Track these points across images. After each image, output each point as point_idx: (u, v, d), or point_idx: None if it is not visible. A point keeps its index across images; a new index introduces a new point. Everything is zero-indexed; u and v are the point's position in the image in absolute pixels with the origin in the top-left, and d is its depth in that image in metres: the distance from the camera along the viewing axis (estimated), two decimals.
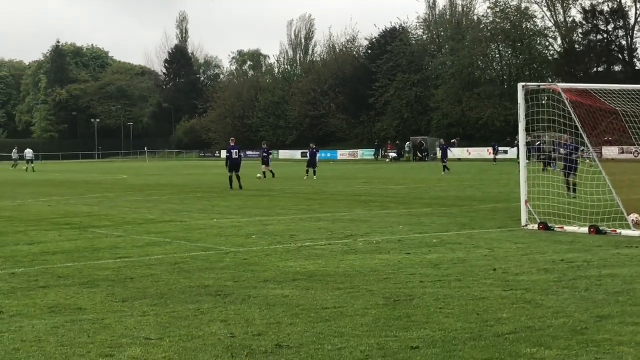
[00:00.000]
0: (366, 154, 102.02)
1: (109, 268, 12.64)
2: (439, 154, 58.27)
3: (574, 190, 22.26)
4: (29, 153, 75.15)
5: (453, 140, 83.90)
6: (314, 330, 8.15)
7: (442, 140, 55.77)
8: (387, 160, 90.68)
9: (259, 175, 43.73)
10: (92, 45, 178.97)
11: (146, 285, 10.98)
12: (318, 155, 48.66)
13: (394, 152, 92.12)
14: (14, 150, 78.18)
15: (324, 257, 13.54)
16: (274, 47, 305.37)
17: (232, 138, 39.89)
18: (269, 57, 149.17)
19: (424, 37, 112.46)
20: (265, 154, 47.11)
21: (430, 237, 16.14)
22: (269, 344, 7.65)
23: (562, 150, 22.88)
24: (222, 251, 14.55)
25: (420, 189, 33.70)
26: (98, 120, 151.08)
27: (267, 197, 30.10)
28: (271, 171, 43.67)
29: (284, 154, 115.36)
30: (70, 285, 11.11)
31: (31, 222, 20.73)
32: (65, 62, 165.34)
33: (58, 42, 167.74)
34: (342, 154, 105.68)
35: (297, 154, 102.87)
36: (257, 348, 7.51)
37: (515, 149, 52.75)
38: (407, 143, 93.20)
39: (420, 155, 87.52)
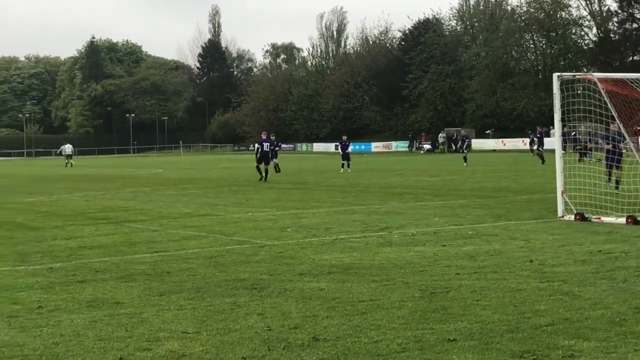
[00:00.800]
0: (400, 145, 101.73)
1: (146, 262, 12.72)
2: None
3: (617, 186, 21.81)
4: (68, 148, 75.61)
5: (487, 132, 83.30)
6: (350, 323, 8.15)
7: (463, 131, 55.20)
8: (421, 152, 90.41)
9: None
10: (127, 40, 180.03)
11: (182, 279, 11.03)
12: (350, 147, 48.31)
13: (428, 144, 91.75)
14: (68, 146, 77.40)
15: (359, 249, 13.53)
16: (306, 40, 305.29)
17: (264, 132, 40.43)
18: (302, 50, 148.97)
19: (458, 28, 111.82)
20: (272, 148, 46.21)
21: (465, 228, 16.07)
22: (306, 336, 7.66)
23: (605, 141, 22.48)
24: (257, 244, 14.59)
25: (455, 180, 33.56)
26: (133, 115, 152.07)
27: (301, 189, 30.14)
28: (276, 166, 42.45)
29: (317, 146, 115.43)
30: (108, 279, 11.19)
31: (68, 217, 20.93)
32: (100, 57, 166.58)
33: (93, 37, 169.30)
34: (376, 146, 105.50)
35: (330, 147, 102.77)
36: (294, 341, 7.52)
37: (549, 138, 52.48)
38: (441, 134, 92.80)
39: (454, 147, 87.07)
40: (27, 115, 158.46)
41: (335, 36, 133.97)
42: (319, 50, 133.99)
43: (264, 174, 35.50)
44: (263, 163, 36.00)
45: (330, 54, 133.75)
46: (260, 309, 8.94)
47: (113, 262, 12.84)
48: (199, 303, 9.37)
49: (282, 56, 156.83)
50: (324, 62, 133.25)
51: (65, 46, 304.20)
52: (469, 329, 7.75)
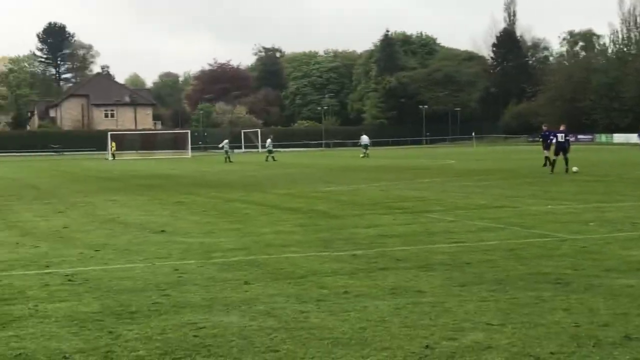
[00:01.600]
0: None
1: (445, 252, 12.81)
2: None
3: None
4: (364, 139, 77.95)
5: None
6: None
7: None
8: None
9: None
10: (421, 32, 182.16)
11: (483, 271, 10.99)
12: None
13: None
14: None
15: None
16: (605, 27, 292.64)
17: (563, 124, 39.66)
18: (602, 36, 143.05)
19: None
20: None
21: None
22: (616, 335, 7.36)
23: None
24: (559, 238, 14.21)
25: None
26: (425, 106, 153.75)
27: (603, 182, 28.99)
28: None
29: (618, 137, 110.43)
30: (408, 268, 11.39)
31: (366, 206, 21.54)
32: (394, 50, 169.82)
33: (387, 31, 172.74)
34: None
35: (632, 138, 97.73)
36: (604, 339, 7.25)
37: None
38: None
39: None
40: (325, 107, 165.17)
41: (638, 21, 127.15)
42: (620, 37, 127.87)
43: (551, 165, 34.94)
44: (561, 154, 35.24)
45: (633, 40, 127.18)
46: (566, 305, 8.69)
47: (412, 251, 13.04)
48: (502, 295, 9.28)
49: (580, 44, 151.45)
50: (625, 49, 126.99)
51: (361, 40, 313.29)
52: None
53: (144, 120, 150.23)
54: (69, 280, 10.83)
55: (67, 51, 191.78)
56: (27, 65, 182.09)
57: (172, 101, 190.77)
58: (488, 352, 6.88)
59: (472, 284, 10.02)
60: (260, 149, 75.41)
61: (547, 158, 41.53)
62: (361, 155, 72.62)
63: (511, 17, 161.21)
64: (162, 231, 16.45)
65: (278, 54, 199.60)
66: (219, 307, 8.93)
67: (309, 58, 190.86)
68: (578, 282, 9.99)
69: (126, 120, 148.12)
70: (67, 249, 14.12)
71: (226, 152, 73.82)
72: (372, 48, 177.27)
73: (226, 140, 79.51)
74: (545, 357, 6.73)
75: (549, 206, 20.29)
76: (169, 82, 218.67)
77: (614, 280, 10.03)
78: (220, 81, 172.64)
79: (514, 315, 8.23)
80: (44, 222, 18.97)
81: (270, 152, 71.67)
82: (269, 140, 75.74)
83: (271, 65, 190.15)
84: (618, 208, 19.35)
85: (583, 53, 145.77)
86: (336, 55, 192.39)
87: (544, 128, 46.67)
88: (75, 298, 9.59)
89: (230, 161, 68.08)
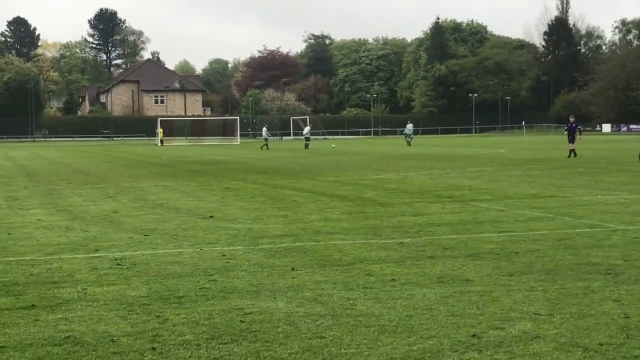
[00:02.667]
0: None
1: (493, 241, 12.72)
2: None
3: None
4: (409, 128, 77.49)
5: None
6: None
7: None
8: None
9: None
10: (472, 20, 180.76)
11: (531, 260, 10.89)
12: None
13: None
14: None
15: None
16: None
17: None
18: None
19: None
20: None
21: None
22: None
23: None
24: (609, 228, 14.03)
25: None
26: (475, 94, 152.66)
27: None
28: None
29: None
30: (456, 256, 11.33)
31: (415, 194, 21.47)
32: (445, 38, 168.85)
33: (438, 18, 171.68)
34: None
35: None
36: None
37: None
38: None
39: None
40: (375, 95, 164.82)
41: None
42: None
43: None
44: None
45: None
46: (616, 296, 8.59)
47: (460, 239, 12.97)
48: (550, 285, 9.20)
49: (634, 32, 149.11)
50: None
51: (411, 28, 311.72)
52: None
53: (194, 106, 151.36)
54: (118, 264, 10.96)
55: (117, 37, 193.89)
56: (78, 51, 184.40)
57: (222, 87, 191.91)
58: (536, 342, 6.82)
59: (520, 273, 9.94)
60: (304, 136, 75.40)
61: (572, 151, 41.15)
62: (408, 143, 72.25)
63: (564, 5, 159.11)
64: (211, 217, 16.57)
65: (327, 41, 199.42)
66: (265, 292, 8.97)
67: (359, 45, 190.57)
68: (628, 273, 9.86)
69: (176, 106, 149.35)
70: (116, 233, 14.29)
71: (265, 139, 74.07)
72: (422, 36, 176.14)
73: (265, 127, 79.81)
74: (594, 347, 6.66)
75: (599, 196, 20.05)
76: (218, 68, 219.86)
77: None
78: (269, 68, 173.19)
79: (562, 305, 8.15)
80: (93, 207, 19.22)
81: (266, 140, 71.86)
82: (264, 129, 76.01)
83: (320, 52, 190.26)
84: None
85: (636, 42, 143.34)
86: (386, 42, 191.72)
87: (571, 119, 45.67)
88: (123, 282, 9.71)
89: (267, 148, 68.07)
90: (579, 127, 42.97)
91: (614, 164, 33.88)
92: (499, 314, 7.80)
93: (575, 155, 41.09)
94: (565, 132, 46.18)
